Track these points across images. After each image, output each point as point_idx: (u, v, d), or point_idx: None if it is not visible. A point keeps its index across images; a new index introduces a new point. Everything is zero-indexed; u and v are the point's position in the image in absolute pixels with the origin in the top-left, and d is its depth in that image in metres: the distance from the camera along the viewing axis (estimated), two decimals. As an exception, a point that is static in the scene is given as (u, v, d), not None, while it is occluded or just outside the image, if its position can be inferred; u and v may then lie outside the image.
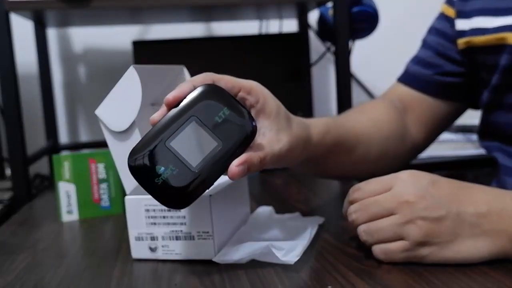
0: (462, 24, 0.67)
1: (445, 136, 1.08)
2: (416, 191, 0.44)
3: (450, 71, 0.71)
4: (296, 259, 0.45)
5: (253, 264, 0.47)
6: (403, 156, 0.72)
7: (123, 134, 0.50)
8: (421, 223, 0.43)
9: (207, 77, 0.45)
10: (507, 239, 0.42)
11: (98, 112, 0.51)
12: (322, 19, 1.09)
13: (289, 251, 0.46)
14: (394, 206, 0.44)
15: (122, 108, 0.49)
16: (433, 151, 1.06)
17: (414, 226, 0.43)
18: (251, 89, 0.47)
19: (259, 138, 0.46)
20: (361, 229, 0.46)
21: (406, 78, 0.75)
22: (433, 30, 0.74)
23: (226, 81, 0.46)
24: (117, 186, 0.69)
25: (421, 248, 0.43)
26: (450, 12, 0.70)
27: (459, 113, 0.75)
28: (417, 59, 0.75)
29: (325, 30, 1.09)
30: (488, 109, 0.68)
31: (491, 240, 0.43)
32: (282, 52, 1.07)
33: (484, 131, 0.71)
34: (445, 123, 0.75)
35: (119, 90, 0.50)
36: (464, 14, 0.67)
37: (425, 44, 0.75)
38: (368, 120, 0.67)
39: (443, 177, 0.46)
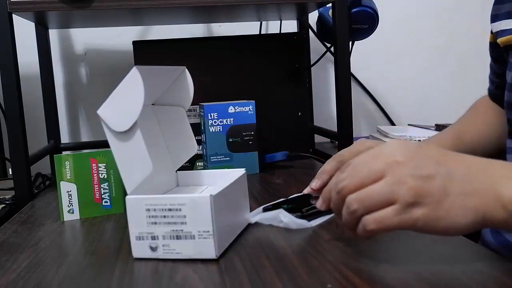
0: (495, 27, 0.72)
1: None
2: (405, 152, 0.42)
3: (499, 84, 0.77)
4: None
5: (253, 264, 0.47)
6: None
7: (125, 134, 0.50)
8: (411, 182, 0.41)
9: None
10: (493, 198, 0.40)
11: (100, 112, 0.51)
12: (321, 20, 1.09)
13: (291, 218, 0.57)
14: (384, 167, 0.42)
15: (124, 108, 0.50)
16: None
17: (404, 186, 0.41)
18: None
19: None
20: (352, 197, 0.43)
21: (489, 92, 0.83)
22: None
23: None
24: (118, 186, 0.69)
25: (413, 210, 0.41)
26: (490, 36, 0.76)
27: None
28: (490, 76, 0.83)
29: (325, 31, 1.09)
30: (508, 108, 0.69)
31: (479, 199, 0.41)
32: (282, 52, 1.08)
33: (509, 131, 0.72)
34: None
35: (122, 91, 0.50)
36: (497, 18, 0.71)
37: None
38: (483, 124, 0.80)
39: (430, 145, 0.45)
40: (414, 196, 0.41)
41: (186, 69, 0.61)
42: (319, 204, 0.51)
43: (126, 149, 0.51)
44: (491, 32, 0.75)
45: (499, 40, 0.69)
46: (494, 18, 0.72)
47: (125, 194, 0.51)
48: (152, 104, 0.62)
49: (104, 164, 0.68)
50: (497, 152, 0.79)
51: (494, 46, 0.76)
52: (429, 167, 0.41)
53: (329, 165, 0.58)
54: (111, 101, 0.51)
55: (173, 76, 0.60)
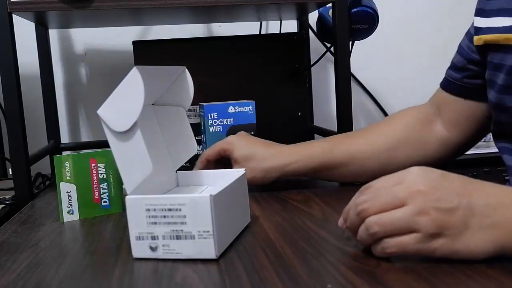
0: (479, 22, 0.68)
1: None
2: (428, 182, 0.44)
3: (477, 74, 0.73)
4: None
5: (253, 264, 0.47)
6: (434, 158, 0.76)
7: (125, 134, 0.50)
8: (433, 214, 0.42)
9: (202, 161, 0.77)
10: (500, 234, 0.42)
11: (100, 112, 0.51)
12: (321, 20, 1.10)
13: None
14: (407, 195, 0.43)
15: (124, 108, 0.50)
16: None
17: (427, 217, 0.42)
18: (224, 150, 0.76)
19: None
20: (372, 220, 0.44)
21: (444, 83, 0.79)
22: (466, 34, 0.76)
23: (212, 152, 0.77)
24: (117, 186, 0.69)
25: (433, 240, 0.43)
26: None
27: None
28: (451, 64, 0.78)
29: (325, 31, 1.09)
30: (495, 109, 0.68)
31: (498, 232, 0.42)
32: (282, 52, 1.08)
33: (495, 132, 0.71)
34: (481, 123, 0.76)
35: (122, 91, 0.50)
36: (484, 13, 0.68)
37: (458, 48, 0.78)
38: (365, 139, 0.77)
39: (452, 173, 0.46)
40: (436, 228, 0.42)
41: (186, 69, 0.61)
42: (340, 223, 0.50)
43: (126, 149, 0.51)
44: (474, 26, 0.70)
45: (484, 37, 0.65)
46: (480, 12, 0.68)
47: (123, 193, 0.51)
48: (152, 104, 0.62)
49: (103, 164, 0.68)
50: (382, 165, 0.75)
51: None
52: (451, 199, 0.43)
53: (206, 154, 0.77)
54: (111, 101, 0.51)
55: (173, 76, 0.60)
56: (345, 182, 0.79)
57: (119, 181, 0.69)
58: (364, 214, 0.45)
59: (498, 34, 0.63)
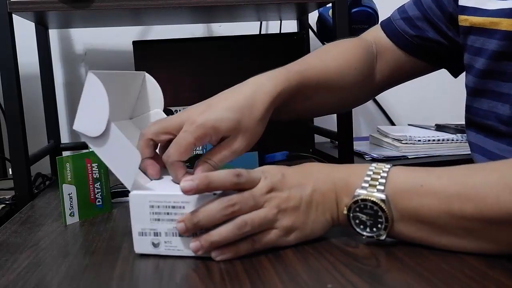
0: (465, 0, 0.65)
1: (445, 136, 1.09)
2: (277, 184, 0.50)
3: (431, 38, 0.72)
4: None
5: (253, 263, 0.47)
6: (363, 99, 0.80)
7: (104, 136, 0.51)
8: (287, 214, 0.50)
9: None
10: (337, 209, 0.51)
11: (76, 126, 0.52)
12: (321, 20, 1.10)
13: None
14: (266, 199, 0.50)
15: (94, 112, 0.51)
16: (433, 150, 1.06)
17: (282, 216, 0.50)
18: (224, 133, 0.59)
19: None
20: (244, 219, 0.48)
21: (389, 29, 0.76)
22: None
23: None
24: (107, 184, 0.69)
25: (289, 234, 0.50)
26: None
27: (426, 72, 0.77)
28: (405, 14, 0.75)
29: (325, 31, 1.09)
30: (472, 94, 0.66)
31: (330, 214, 0.51)
32: (282, 52, 1.08)
33: (467, 118, 0.69)
34: (408, 76, 0.78)
35: (86, 99, 0.51)
36: None
37: (417, 1, 0.74)
38: (335, 70, 0.71)
39: (289, 168, 0.53)
40: (292, 222, 0.50)
41: (147, 74, 0.61)
42: (189, 187, 0.48)
43: (111, 149, 0.51)
44: None
45: (470, 19, 0.63)
46: None
47: (112, 192, 0.51)
48: (130, 119, 0.62)
49: (97, 164, 0.68)
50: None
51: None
52: (295, 198, 0.50)
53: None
54: (81, 113, 0.52)
55: (134, 82, 0.61)
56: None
57: (108, 180, 0.69)
58: (233, 214, 0.48)
59: (486, 18, 0.61)
